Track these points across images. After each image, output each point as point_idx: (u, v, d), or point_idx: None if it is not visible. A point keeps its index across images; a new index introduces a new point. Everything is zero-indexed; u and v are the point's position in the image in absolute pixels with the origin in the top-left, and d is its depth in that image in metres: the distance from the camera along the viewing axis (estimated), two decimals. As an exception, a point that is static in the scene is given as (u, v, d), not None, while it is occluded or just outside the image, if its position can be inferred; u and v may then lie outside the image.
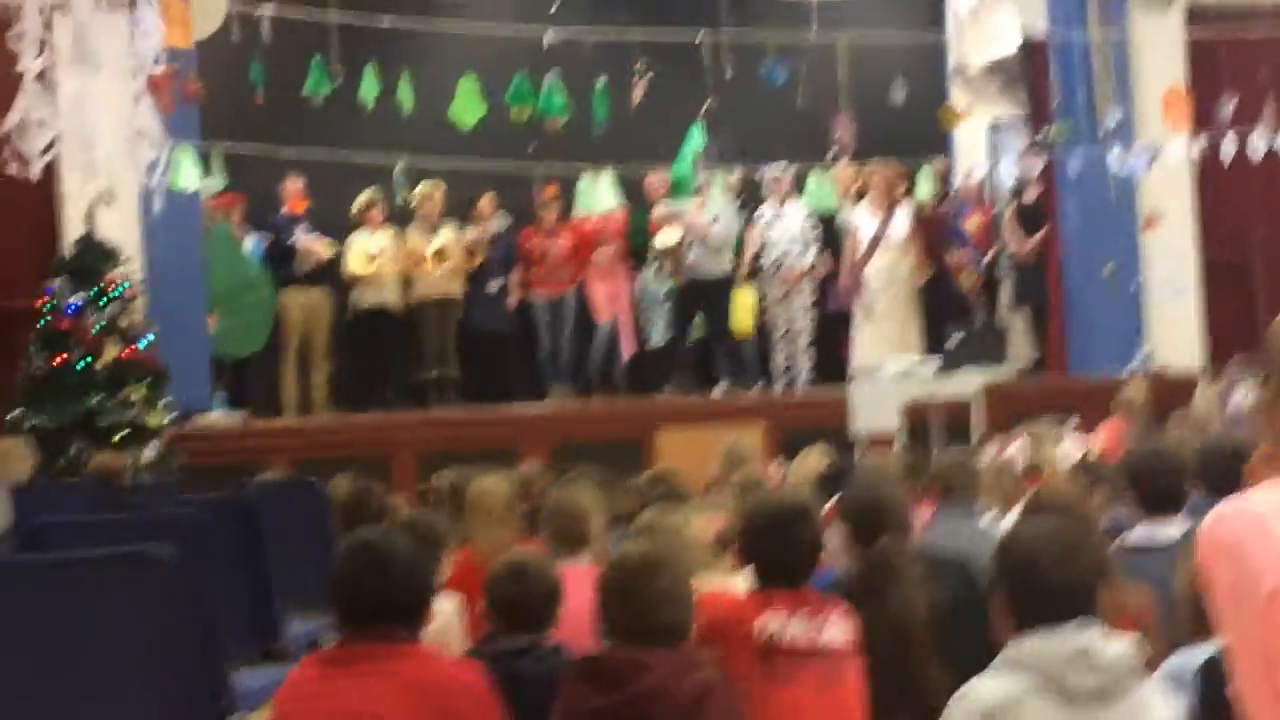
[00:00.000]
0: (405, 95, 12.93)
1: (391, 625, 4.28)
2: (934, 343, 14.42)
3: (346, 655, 4.30)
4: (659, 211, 15.10)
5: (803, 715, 4.60)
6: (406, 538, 4.57)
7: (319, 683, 4.28)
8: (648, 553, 4.29)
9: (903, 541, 5.29)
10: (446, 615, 5.74)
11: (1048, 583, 3.90)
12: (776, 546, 4.86)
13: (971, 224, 16.06)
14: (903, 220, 15.24)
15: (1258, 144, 13.79)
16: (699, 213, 15.08)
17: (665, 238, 15.01)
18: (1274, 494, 2.92)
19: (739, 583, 5.20)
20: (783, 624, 4.67)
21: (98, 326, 11.89)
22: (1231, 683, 3.05)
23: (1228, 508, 2.95)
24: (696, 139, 14.87)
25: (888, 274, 15.19)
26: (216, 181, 12.66)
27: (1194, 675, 4.01)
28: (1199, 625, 4.39)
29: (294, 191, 14.73)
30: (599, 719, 3.94)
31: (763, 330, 15.73)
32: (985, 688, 3.85)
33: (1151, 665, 4.22)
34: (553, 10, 14.71)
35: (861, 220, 15.28)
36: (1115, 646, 3.85)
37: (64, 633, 3.38)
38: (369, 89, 12.82)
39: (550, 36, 13.59)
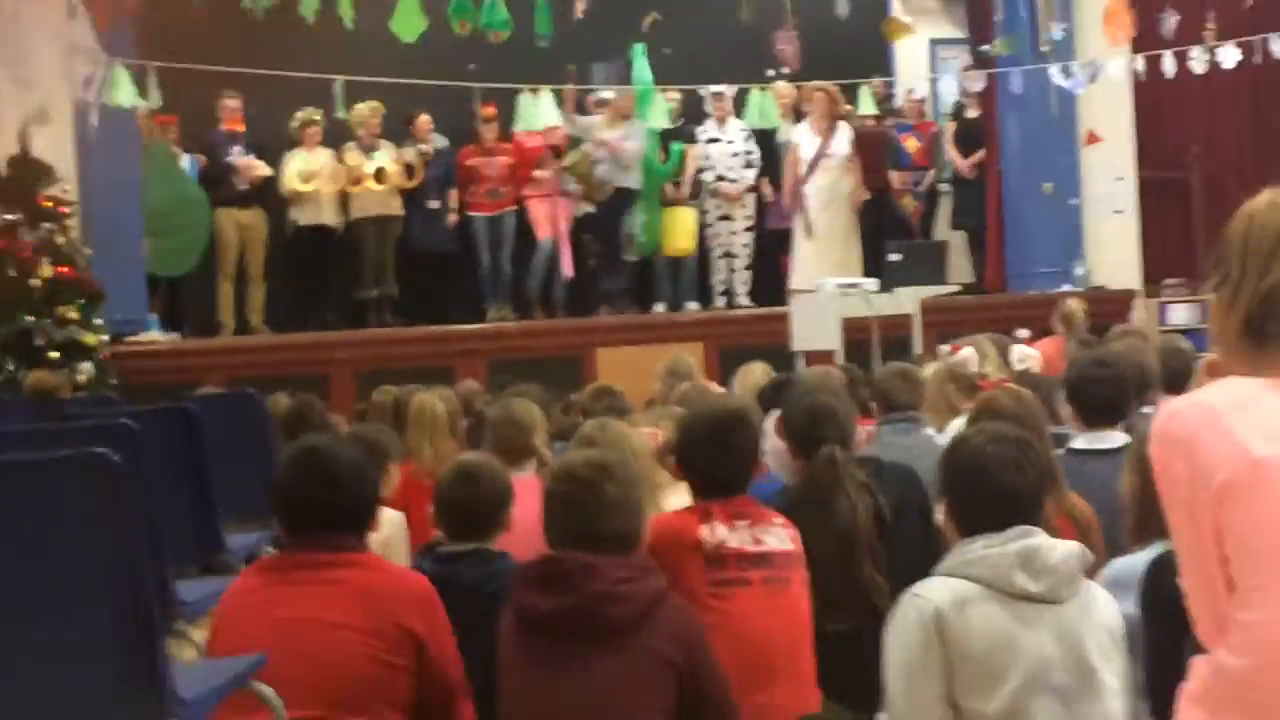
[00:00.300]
0: (345, 10, 12.76)
1: (337, 533, 4.25)
2: (874, 261, 14.42)
3: (291, 563, 4.27)
4: (560, 130, 15.05)
5: (752, 620, 4.60)
6: (351, 445, 4.54)
7: (263, 591, 4.26)
8: (596, 460, 4.26)
9: (846, 449, 5.27)
10: (391, 526, 5.73)
11: (995, 487, 3.91)
12: (715, 454, 4.84)
13: (912, 144, 16.06)
14: (843, 139, 15.21)
15: (1197, 61, 13.79)
16: (609, 129, 15.02)
17: (570, 156, 14.98)
18: (1227, 389, 2.92)
19: (681, 497, 5.20)
20: (725, 532, 4.66)
21: (32, 245, 11.75)
22: (1178, 578, 3.06)
23: (1181, 402, 2.95)
24: (641, 62, 14.76)
25: (828, 193, 15.17)
26: (153, 100, 12.49)
27: (1142, 572, 4.03)
28: (1141, 531, 4.41)
29: (231, 109, 14.62)
30: (549, 621, 3.92)
31: (702, 249, 15.72)
32: (934, 589, 3.86)
33: (1094, 570, 4.24)
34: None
35: (802, 139, 15.24)
36: (1061, 549, 3.87)
37: (9, 537, 3.33)
38: (309, 3, 12.64)
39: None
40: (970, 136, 15.98)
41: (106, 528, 3.36)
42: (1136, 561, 4.24)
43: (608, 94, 15.05)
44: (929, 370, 7.62)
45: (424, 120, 15.13)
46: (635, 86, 14.83)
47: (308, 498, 4.26)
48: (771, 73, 15.31)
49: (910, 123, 16.24)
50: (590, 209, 15.37)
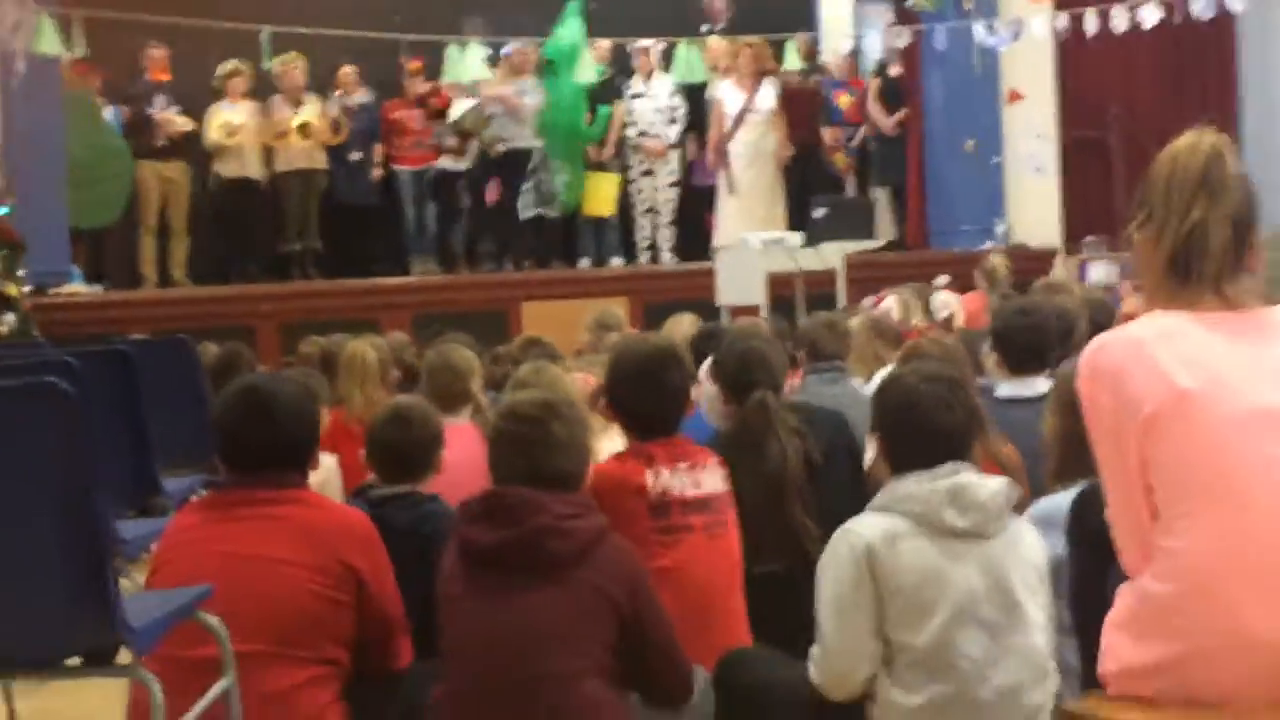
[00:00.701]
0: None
1: (278, 469, 4.28)
2: (799, 218, 14.50)
3: (233, 500, 4.30)
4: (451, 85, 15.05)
5: (697, 563, 4.65)
6: (289, 383, 4.57)
7: (205, 527, 4.29)
8: (541, 400, 4.28)
9: (777, 394, 5.34)
10: (328, 469, 5.77)
11: (927, 425, 4.00)
12: (646, 392, 4.88)
13: (844, 100, 16.13)
14: (769, 95, 15.26)
15: (1119, 19, 13.91)
16: (505, 85, 15.02)
17: (455, 110, 14.96)
18: (1153, 323, 3.01)
19: (613, 442, 5.25)
20: (668, 478, 4.71)
21: (-48, 195, 11.69)
22: (1105, 510, 3.15)
23: (1108, 336, 3.04)
24: (574, 18, 14.75)
25: (753, 149, 15.23)
26: (78, 49, 12.41)
27: (1069, 506, 4.12)
28: (1063, 471, 4.51)
29: (156, 59, 14.52)
30: (492, 554, 3.96)
31: (626, 205, 15.76)
32: (865, 525, 3.95)
33: (1019, 511, 4.33)
34: None
35: (727, 94, 15.28)
36: (989, 486, 3.96)
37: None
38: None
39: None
40: (893, 94, 16.05)
41: (59, 455, 3.39)
42: (1060, 501, 4.33)
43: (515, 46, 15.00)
44: (854, 322, 7.70)
45: (346, 72, 15.08)
46: (564, 43, 14.81)
47: (249, 435, 4.29)
48: (705, 28, 15.31)
49: (842, 79, 16.30)
50: (467, 165, 15.34)
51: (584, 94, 15.13)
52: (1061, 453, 4.50)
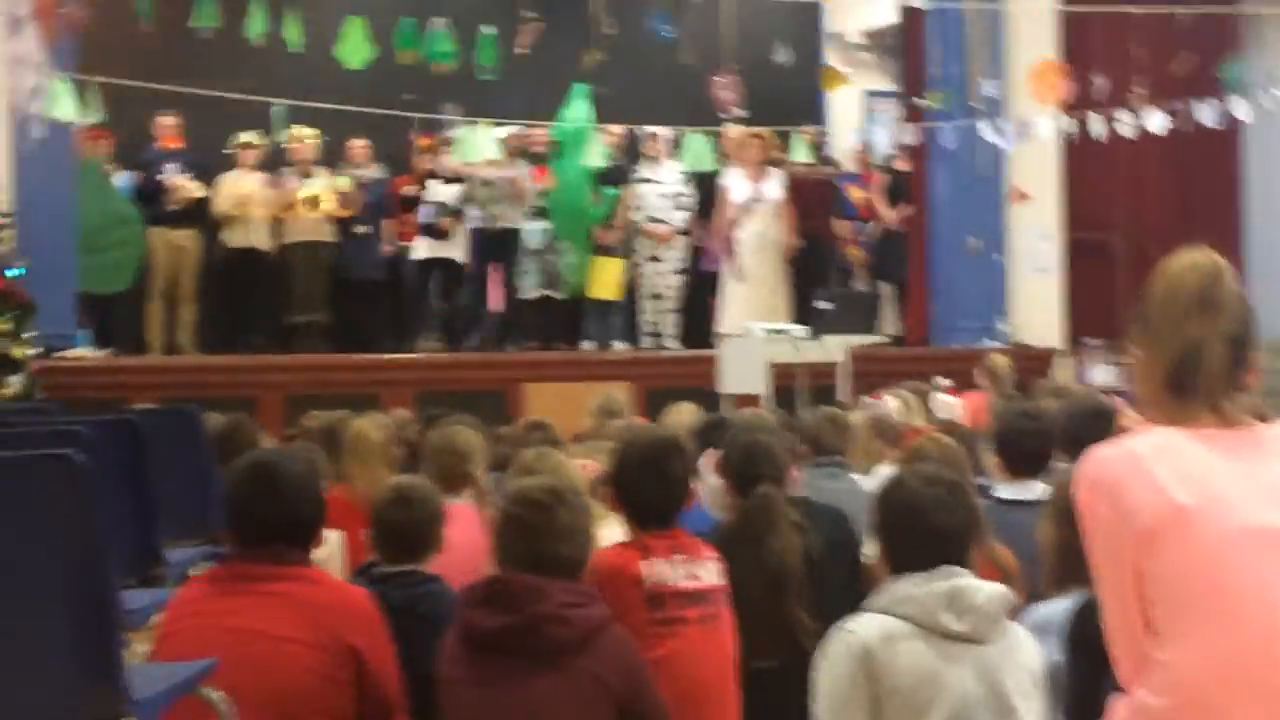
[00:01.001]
0: (292, 34, 12.84)
1: (283, 546, 4.33)
2: (803, 309, 14.58)
3: (237, 574, 4.34)
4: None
5: (691, 656, 4.69)
6: (298, 460, 4.62)
7: (208, 601, 4.33)
8: (549, 486, 4.34)
9: (780, 488, 5.38)
10: (332, 545, 5.81)
11: (927, 527, 4.03)
12: (649, 482, 4.93)
13: (856, 194, 16.24)
14: (776, 185, 15.36)
15: (1125, 124, 14.03)
16: (511, 166, 15.13)
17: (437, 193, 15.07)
18: (1151, 438, 3.06)
19: (613, 529, 5.29)
20: (665, 569, 4.75)
21: (-36, 256, 11.76)
22: (1101, 621, 3.19)
23: (1107, 449, 3.08)
24: (582, 101, 14.87)
25: (759, 238, 15.30)
26: (93, 114, 12.51)
27: (1067, 614, 4.15)
28: (1061, 579, 4.54)
29: (166, 127, 14.62)
30: (494, 640, 4.00)
31: (631, 290, 15.83)
32: (862, 626, 3.97)
33: (1015, 616, 4.36)
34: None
35: (734, 183, 15.38)
36: (986, 590, 3.99)
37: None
38: (256, 26, 12.71)
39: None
40: (898, 189, 16.17)
41: (69, 525, 3.42)
42: (1056, 608, 4.37)
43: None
44: (855, 418, 7.75)
45: (358, 146, 15.19)
46: (571, 125, 14.93)
47: (256, 510, 4.34)
48: (724, 116, 15.41)
49: (856, 172, 16.42)
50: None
51: (590, 176, 15.23)
52: (1058, 561, 4.54)
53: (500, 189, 15.08)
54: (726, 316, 15.06)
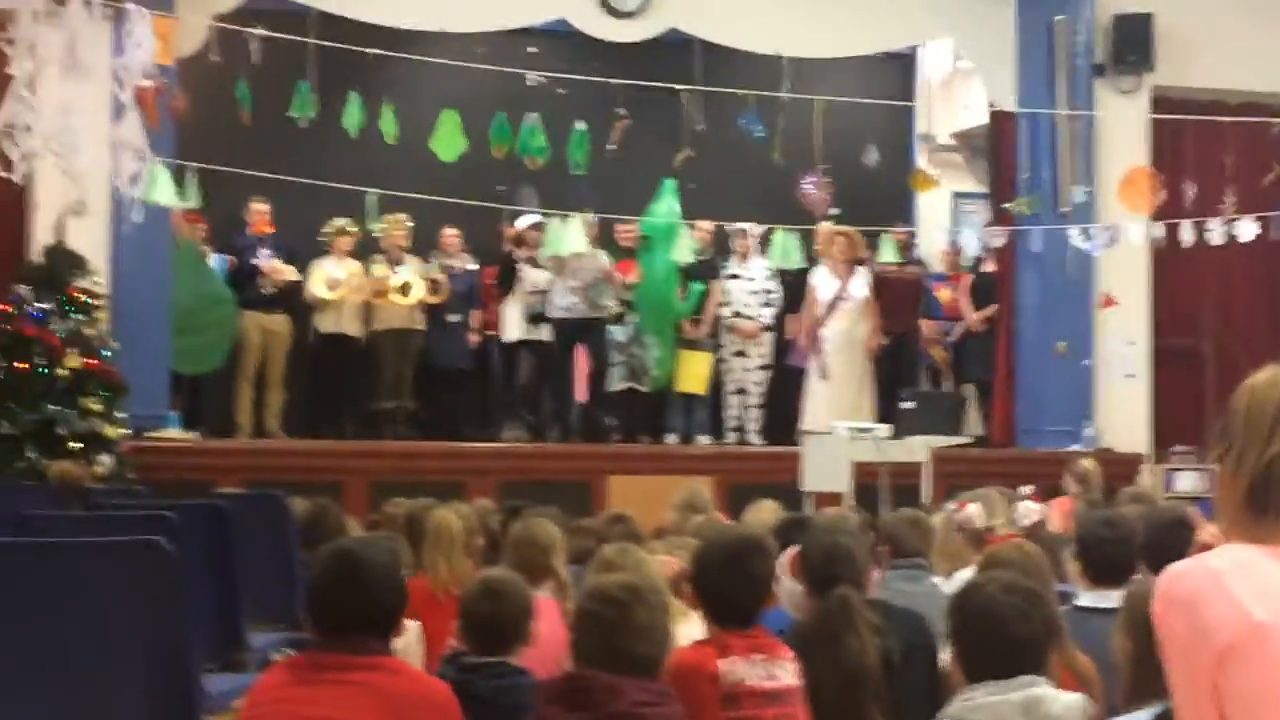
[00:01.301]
0: (388, 126, 13.04)
1: (364, 635, 4.35)
2: (888, 408, 14.60)
3: (317, 662, 4.36)
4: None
5: None
6: (382, 549, 4.66)
7: (288, 688, 4.35)
8: (628, 584, 4.34)
9: (860, 590, 5.37)
10: (410, 634, 5.84)
11: (1004, 636, 4.03)
12: (731, 580, 4.92)
13: (944, 294, 16.26)
14: (861, 283, 15.41)
15: (1216, 231, 13.99)
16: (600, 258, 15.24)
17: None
18: (1229, 554, 3.05)
19: (693, 627, 5.29)
20: (743, 668, 4.75)
21: (61, 335, 11.92)
22: (1179, 737, 3.17)
23: (1184, 564, 3.08)
24: (670, 196, 14.99)
25: (844, 336, 15.34)
26: (190, 199, 12.71)
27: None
28: (1136, 693, 4.51)
29: (259, 213, 14.82)
30: (569, 736, 4.02)
31: (716, 384, 15.87)
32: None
33: (1095, 727, 4.35)
34: (532, 51, 14.88)
35: (820, 280, 15.44)
36: (1063, 700, 3.98)
37: (59, 616, 3.46)
38: (353, 117, 12.90)
39: (532, 79, 13.72)
40: (983, 290, 16.18)
41: (155, 611, 3.49)
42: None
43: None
44: (937, 519, 7.72)
45: (450, 235, 15.34)
46: (660, 220, 15.04)
47: (339, 599, 4.36)
48: (816, 215, 15.44)
49: (944, 273, 16.46)
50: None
51: (677, 270, 15.31)
52: (1133, 674, 4.50)
53: (591, 274, 15.17)
54: (810, 414, 15.08)
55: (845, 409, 14.50)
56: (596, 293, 15.08)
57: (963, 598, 4.22)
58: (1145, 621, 3.63)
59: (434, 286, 15.06)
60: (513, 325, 15.41)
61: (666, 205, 15.03)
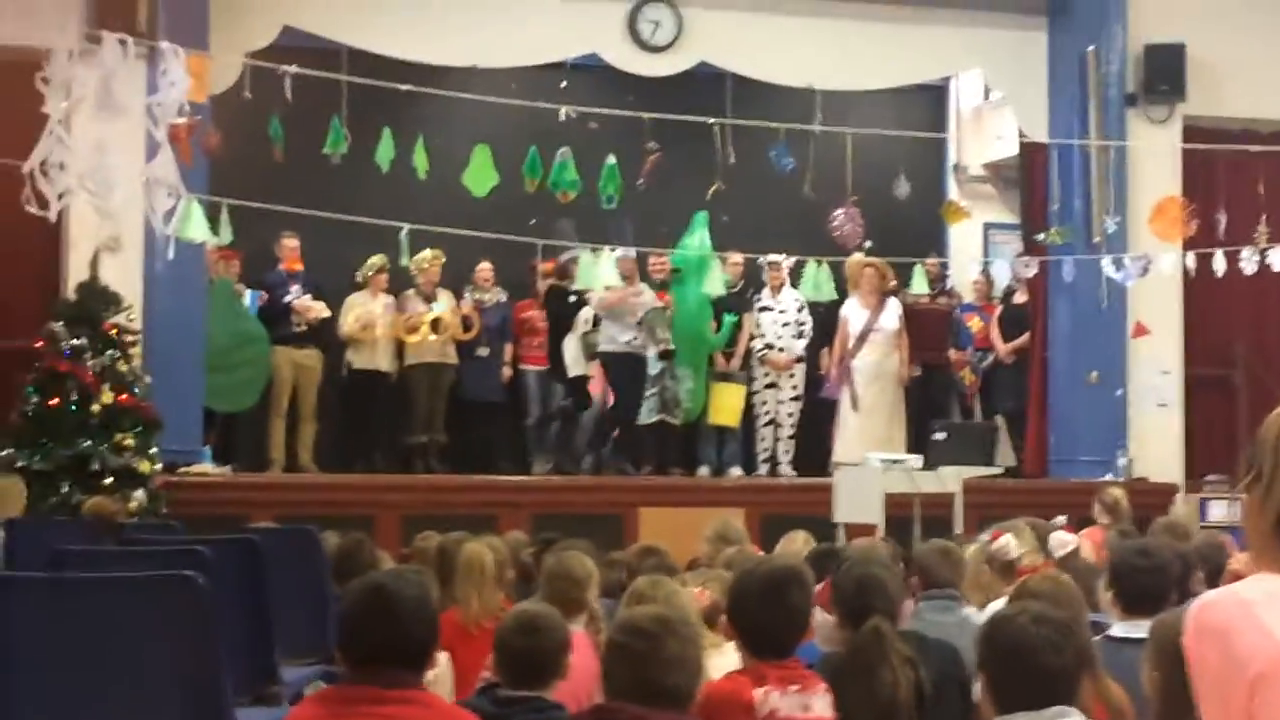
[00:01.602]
0: (420, 161, 13.08)
1: (395, 669, 4.36)
2: (920, 439, 14.62)
3: (349, 696, 4.37)
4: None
5: None
6: (413, 583, 4.66)
7: (322, 721, 4.37)
8: (658, 616, 4.34)
9: (893, 622, 5.36)
10: (441, 666, 5.85)
11: (1035, 667, 4.01)
12: (768, 612, 4.92)
13: (975, 324, 16.27)
14: (892, 314, 15.42)
15: (1248, 260, 13.96)
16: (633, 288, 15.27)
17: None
18: (1262, 584, 3.05)
19: (726, 658, 5.29)
20: (778, 699, 4.75)
21: (94, 370, 11.99)
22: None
23: (1215, 594, 3.07)
24: (702, 229, 15.02)
25: (875, 367, 15.37)
26: (224, 236, 12.77)
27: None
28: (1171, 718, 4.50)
29: (290, 249, 14.87)
30: (600, 770, 4.02)
31: (748, 416, 15.87)
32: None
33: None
34: (563, 85, 14.94)
35: (851, 312, 15.45)
36: (1094, 732, 3.97)
37: (94, 651, 3.48)
38: (385, 152, 12.95)
39: (564, 114, 13.76)
40: (1014, 321, 16.19)
41: (189, 645, 3.50)
42: (1168, 749, 4.34)
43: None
44: (969, 550, 7.70)
45: (484, 270, 15.39)
46: (692, 253, 15.07)
47: (370, 633, 4.36)
48: (849, 247, 15.44)
49: (975, 303, 16.48)
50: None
51: (709, 303, 15.32)
52: (1162, 705, 4.50)
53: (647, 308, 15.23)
54: (842, 445, 15.09)
55: (877, 440, 14.50)
56: (656, 326, 15.14)
57: (992, 629, 4.20)
58: (1173, 651, 3.62)
59: (466, 321, 15.10)
60: (572, 360, 15.47)
61: (698, 238, 15.05)
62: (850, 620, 5.36)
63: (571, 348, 15.51)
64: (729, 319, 15.45)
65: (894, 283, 15.63)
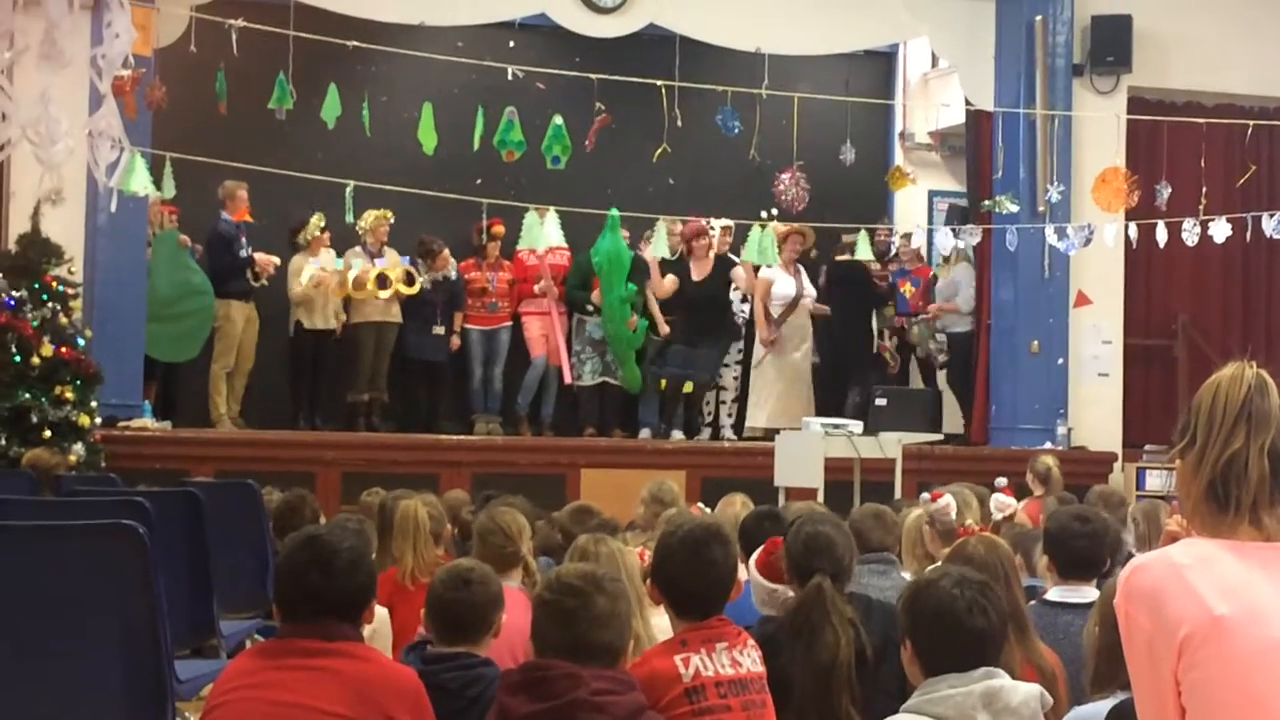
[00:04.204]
0: (366, 118, 13.02)
1: (333, 620, 4.36)
2: (841, 403, 15.02)
3: (285, 648, 4.37)
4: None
5: None
6: (350, 534, 4.66)
7: (256, 674, 4.35)
8: (587, 572, 4.32)
9: (839, 582, 5.37)
10: (380, 621, 5.85)
11: (960, 630, 4.03)
12: (691, 571, 4.87)
13: (908, 289, 16.34)
14: (808, 280, 15.59)
15: (1190, 231, 14.04)
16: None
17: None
18: (1193, 548, 3.09)
19: (664, 617, 5.28)
20: (701, 660, 4.73)
21: (34, 323, 11.92)
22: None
23: (1148, 558, 3.12)
24: (614, 233, 15.07)
25: (801, 332, 15.55)
26: (168, 189, 12.68)
27: (1105, 717, 4.17)
28: (1102, 682, 4.55)
29: (242, 200, 14.72)
30: (529, 725, 4.03)
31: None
32: (900, 728, 3.98)
33: (1058, 718, 4.38)
34: (511, 45, 14.88)
35: (776, 276, 15.55)
36: (1022, 691, 3.99)
37: (33, 599, 3.48)
38: (330, 109, 12.88)
39: (511, 73, 13.70)
40: (947, 287, 16.36)
41: (128, 596, 3.50)
42: (1096, 710, 4.38)
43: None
44: (911, 515, 7.74)
45: (445, 257, 15.32)
46: (608, 253, 15.12)
47: (307, 584, 4.36)
48: (764, 214, 15.47)
49: (907, 268, 16.53)
50: None
51: (627, 304, 15.33)
52: (1100, 664, 4.55)
53: None
54: (763, 410, 15.27)
55: (800, 403, 14.74)
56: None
57: (915, 594, 4.20)
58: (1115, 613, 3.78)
59: (408, 276, 15.04)
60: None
61: (610, 241, 15.04)
62: (799, 579, 5.36)
63: None
64: (642, 324, 15.45)
65: (813, 248, 15.82)
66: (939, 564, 6.01)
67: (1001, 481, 8.52)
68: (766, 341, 15.60)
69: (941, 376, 16.66)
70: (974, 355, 16.20)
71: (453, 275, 15.42)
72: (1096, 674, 4.60)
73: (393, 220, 15.10)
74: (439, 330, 15.31)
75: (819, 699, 5.06)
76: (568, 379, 15.52)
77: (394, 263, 15.07)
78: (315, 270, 14.74)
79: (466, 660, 4.94)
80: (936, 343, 16.36)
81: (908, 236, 16.76)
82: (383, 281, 14.89)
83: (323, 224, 14.75)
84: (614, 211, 15.01)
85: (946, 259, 16.32)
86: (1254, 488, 3.08)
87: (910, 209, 17.70)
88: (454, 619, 5.00)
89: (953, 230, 15.45)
